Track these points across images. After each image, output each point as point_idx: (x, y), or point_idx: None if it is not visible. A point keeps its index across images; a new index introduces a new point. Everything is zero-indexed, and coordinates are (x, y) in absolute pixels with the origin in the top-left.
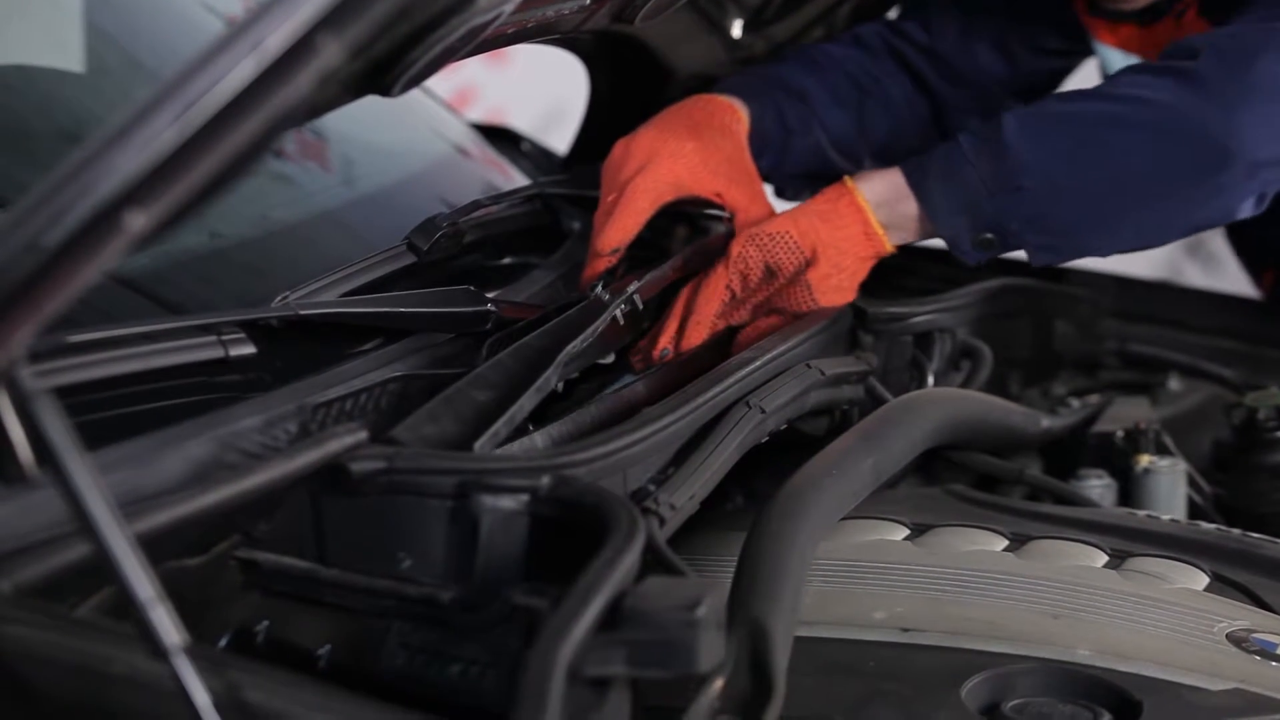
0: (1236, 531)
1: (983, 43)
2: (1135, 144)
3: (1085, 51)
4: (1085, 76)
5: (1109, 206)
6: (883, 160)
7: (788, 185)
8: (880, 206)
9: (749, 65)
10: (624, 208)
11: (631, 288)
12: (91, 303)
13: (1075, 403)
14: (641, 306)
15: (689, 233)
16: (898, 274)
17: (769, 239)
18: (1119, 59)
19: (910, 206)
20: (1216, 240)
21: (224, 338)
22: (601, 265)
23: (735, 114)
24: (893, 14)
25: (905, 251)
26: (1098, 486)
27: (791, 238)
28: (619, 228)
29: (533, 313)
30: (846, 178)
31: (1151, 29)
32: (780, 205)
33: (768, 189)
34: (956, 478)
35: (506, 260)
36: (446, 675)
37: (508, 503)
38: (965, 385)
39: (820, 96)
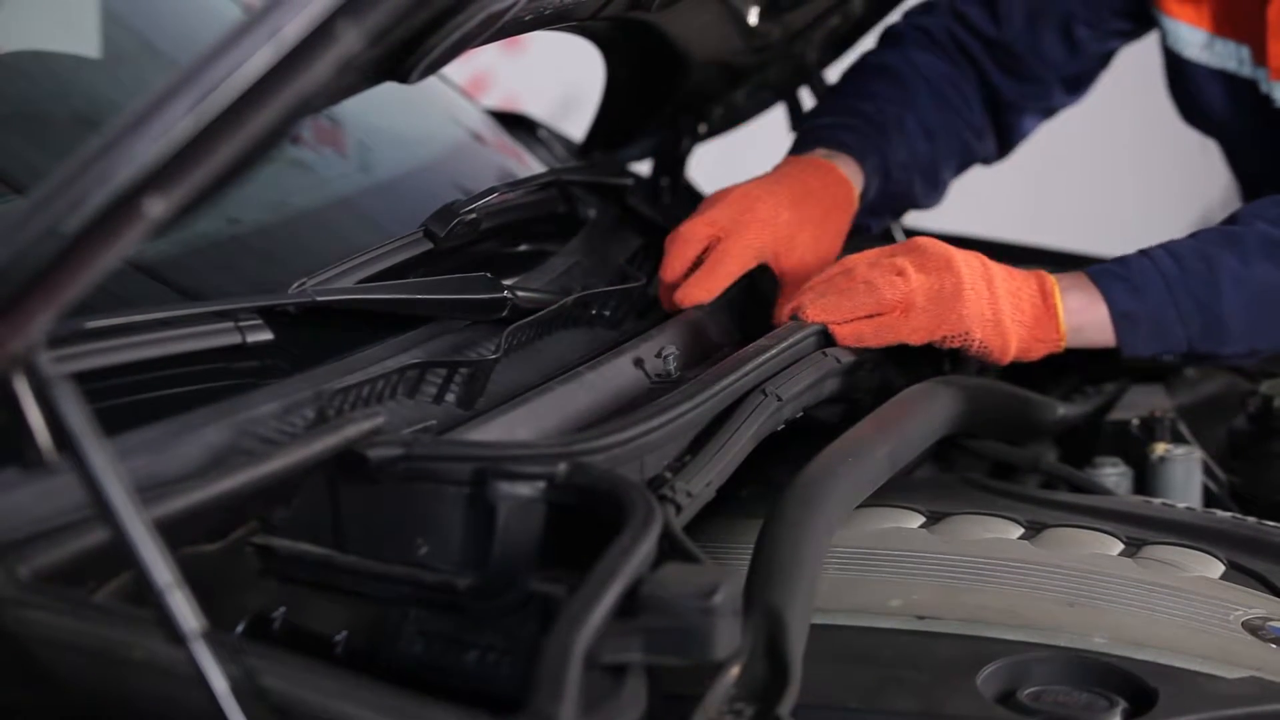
0: (1252, 519)
1: (1049, 28)
2: None
3: (1142, 30)
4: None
5: None
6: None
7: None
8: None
9: (828, 95)
10: (713, 269)
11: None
12: (110, 289)
13: (1091, 390)
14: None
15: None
16: None
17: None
18: (1186, 32)
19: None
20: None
21: (241, 324)
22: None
23: (849, 191)
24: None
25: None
26: (1113, 475)
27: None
28: (704, 290)
29: (550, 300)
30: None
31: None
32: None
33: None
34: (972, 466)
35: (523, 247)
36: (463, 662)
37: (524, 490)
38: (981, 373)
39: (914, 129)
